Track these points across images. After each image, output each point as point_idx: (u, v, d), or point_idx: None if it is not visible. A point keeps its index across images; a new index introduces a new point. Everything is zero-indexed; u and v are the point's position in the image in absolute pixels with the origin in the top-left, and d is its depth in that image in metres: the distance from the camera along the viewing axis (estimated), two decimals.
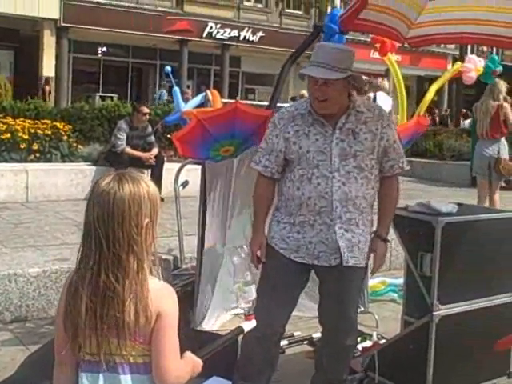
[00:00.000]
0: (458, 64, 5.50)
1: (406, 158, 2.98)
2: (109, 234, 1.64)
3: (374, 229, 2.94)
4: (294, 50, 3.84)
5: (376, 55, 4.63)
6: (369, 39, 4.36)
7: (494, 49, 30.95)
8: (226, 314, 4.15)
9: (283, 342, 3.89)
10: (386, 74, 4.84)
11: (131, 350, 1.70)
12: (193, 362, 1.82)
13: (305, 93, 11.51)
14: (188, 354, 1.83)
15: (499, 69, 5.75)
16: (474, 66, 5.45)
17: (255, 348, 2.90)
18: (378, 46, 4.47)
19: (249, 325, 2.16)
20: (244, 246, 2.82)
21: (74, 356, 1.74)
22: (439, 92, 7.45)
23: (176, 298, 1.76)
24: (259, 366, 2.94)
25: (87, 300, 1.66)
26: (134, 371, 1.71)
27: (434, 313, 3.08)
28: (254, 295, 2.18)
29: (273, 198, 2.95)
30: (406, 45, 3.91)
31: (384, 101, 8.60)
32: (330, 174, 2.74)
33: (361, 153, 2.77)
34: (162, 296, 1.71)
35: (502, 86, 7.14)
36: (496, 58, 5.89)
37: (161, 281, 1.76)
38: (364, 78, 3.27)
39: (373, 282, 4.92)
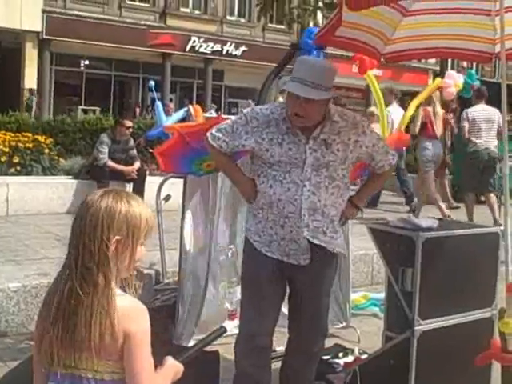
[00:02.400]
0: (438, 80, 5.58)
1: (392, 152, 3.09)
2: (79, 245, 1.65)
3: (342, 236, 3.06)
4: (276, 65, 3.88)
5: (357, 70, 4.68)
6: (350, 54, 4.41)
7: (474, 64, 31.40)
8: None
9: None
10: (367, 88, 4.89)
11: (97, 366, 1.68)
12: (173, 369, 1.82)
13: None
14: (168, 360, 1.82)
15: (477, 83, 5.85)
16: (453, 81, 5.53)
17: (246, 358, 2.91)
18: (357, 63, 4.52)
19: (231, 324, 2.15)
20: (231, 246, 2.83)
21: (42, 367, 1.74)
22: (420, 107, 7.51)
23: (147, 315, 1.73)
24: (255, 376, 2.94)
25: (57, 312, 1.66)
26: None
27: (415, 328, 3.09)
28: (238, 296, 2.20)
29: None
30: (382, 61, 3.96)
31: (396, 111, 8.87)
32: (301, 182, 2.78)
33: (333, 163, 2.82)
34: (129, 316, 1.68)
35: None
36: (473, 72, 5.99)
37: (132, 298, 1.75)
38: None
39: (354, 296, 4.94)
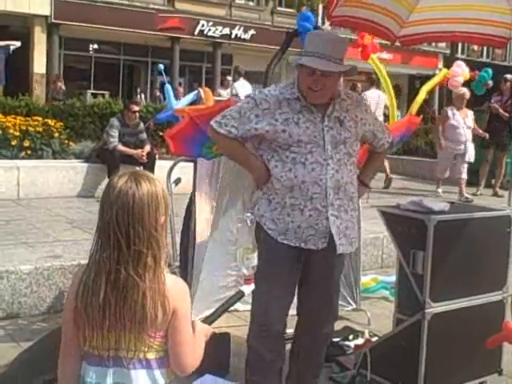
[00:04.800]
0: (445, 70, 5.52)
1: (388, 131, 3.15)
2: (129, 231, 1.69)
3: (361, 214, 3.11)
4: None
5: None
6: (353, 37, 4.40)
7: (485, 48, 31.11)
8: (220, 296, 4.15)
9: None
10: (375, 72, 4.86)
11: (143, 346, 1.74)
12: (203, 332, 1.91)
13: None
14: (198, 325, 1.90)
15: (491, 82, 5.81)
16: (461, 70, 5.47)
17: (261, 344, 2.89)
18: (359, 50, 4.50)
19: (248, 288, 2.20)
20: (248, 214, 2.73)
21: (81, 350, 1.77)
22: (430, 92, 7.54)
23: (188, 291, 1.83)
24: (269, 358, 2.92)
25: (106, 296, 1.70)
26: (144, 366, 1.75)
27: (426, 310, 3.10)
28: (255, 262, 2.22)
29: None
30: (397, 43, 3.92)
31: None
32: (325, 161, 2.74)
33: (349, 139, 2.82)
34: (177, 292, 1.77)
35: None
36: (490, 70, 5.93)
37: (173, 275, 1.83)
38: None
39: (365, 279, 4.94)
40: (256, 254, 2.24)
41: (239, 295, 2.19)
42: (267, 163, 2.82)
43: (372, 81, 11.02)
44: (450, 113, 9.28)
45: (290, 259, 2.82)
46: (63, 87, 18.28)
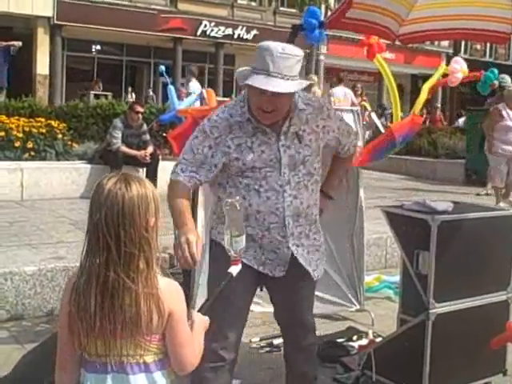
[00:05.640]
0: (443, 67, 5.51)
1: (355, 131, 2.88)
2: (119, 233, 1.66)
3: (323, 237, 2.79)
4: None
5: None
6: (357, 36, 4.37)
7: (488, 46, 31.07)
8: None
9: (279, 340, 3.91)
10: (379, 72, 4.84)
11: (140, 350, 1.72)
12: (201, 324, 1.89)
13: (312, 76, 11.83)
14: (195, 316, 1.87)
15: (496, 82, 5.77)
16: (460, 66, 5.46)
17: (208, 376, 2.54)
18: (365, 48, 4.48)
19: (236, 269, 2.20)
20: (238, 198, 2.57)
21: (78, 357, 1.75)
22: (433, 91, 7.41)
23: (182, 292, 1.81)
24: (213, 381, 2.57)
25: (97, 301, 1.67)
26: (143, 370, 1.73)
27: (430, 311, 3.09)
28: (242, 245, 2.17)
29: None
30: (397, 42, 3.92)
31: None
32: (281, 187, 2.50)
33: (309, 157, 2.56)
34: (171, 294, 1.75)
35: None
36: (496, 71, 5.91)
37: (166, 278, 1.79)
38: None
39: (368, 278, 4.94)
40: (244, 237, 2.20)
41: (229, 277, 2.21)
42: (221, 190, 2.59)
43: (340, 78, 11.75)
44: (504, 112, 8.41)
45: (247, 282, 2.53)
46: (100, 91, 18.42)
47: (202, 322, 1.89)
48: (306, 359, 2.81)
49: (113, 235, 1.65)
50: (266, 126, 2.50)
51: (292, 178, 2.52)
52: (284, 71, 2.37)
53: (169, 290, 1.75)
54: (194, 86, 11.29)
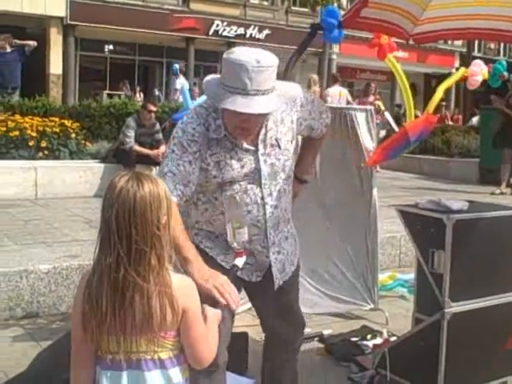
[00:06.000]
0: (463, 69, 5.49)
1: (326, 108, 2.70)
2: (130, 231, 1.66)
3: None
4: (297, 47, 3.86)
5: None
6: (371, 36, 4.35)
7: (502, 46, 30.84)
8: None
9: None
10: (392, 71, 4.83)
11: (155, 347, 1.72)
12: (215, 318, 1.90)
13: (313, 76, 12.02)
14: (208, 311, 1.88)
15: (506, 73, 5.71)
16: (480, 69, 5.42)
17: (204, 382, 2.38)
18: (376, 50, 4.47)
19: (241, 261, 2.20)
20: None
21: (93, 355, 1.75)
22: (446, 91, 7.38)
23: (196, 288, 1.81)
24: None
25: (110, 298, 1.67)
26: (158, 367, 1.73)
27: (446, 310, 3.07)
28: (245, 237, 2.15)
29: None
30: (411, 42, 3.90)
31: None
32: (262, 200, 2.39)
33: (288, 162, 2.45)
34: (184, 290, 1.75)
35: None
36: (504, 62, 5.86)
37: (179, 274, 1.80)
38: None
39: (382, 276, 4.92)
40: (246, 229, 2.19)
41: (234, 269, 2.20)
42: (198, 203, 2.45)
43: (335, 78, 12.11)
44: None
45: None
46: (128, 93, 18.55)
47: (214, 315, 1.90)
48: (289, 360, 2.74)
49: (124, 233, 1.66)
50: (244, 140, 2.35)
51: (273, 188, 2.41)
52: (261, 86, 2.15)
53: (182, 286, 1.75)
54: (182, 81, 11.87)
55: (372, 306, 4.48)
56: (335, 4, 20.09)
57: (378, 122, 9.89)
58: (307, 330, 4.08)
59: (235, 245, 2.21)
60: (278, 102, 2.25)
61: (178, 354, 1.77)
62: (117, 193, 1.67)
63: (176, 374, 1.76)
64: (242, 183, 2.36)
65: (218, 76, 2.30)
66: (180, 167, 2.28)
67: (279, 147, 2.41)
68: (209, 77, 2.34)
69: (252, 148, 2.37)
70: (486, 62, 5.49)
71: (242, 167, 2.35)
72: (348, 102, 11.23)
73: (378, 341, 3.89)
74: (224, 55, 2.23)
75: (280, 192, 2.44)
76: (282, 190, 2.46)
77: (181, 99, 11.46)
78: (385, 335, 3.96)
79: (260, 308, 2.70)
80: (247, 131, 2.31)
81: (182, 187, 2.27)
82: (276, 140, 2.40)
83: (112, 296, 1.67)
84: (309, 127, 2.58)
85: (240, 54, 2.19)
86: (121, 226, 1.66)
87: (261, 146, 2.38)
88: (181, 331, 1.75)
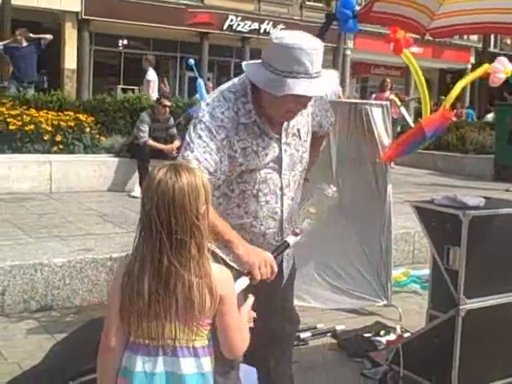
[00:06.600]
0: (486, 65, 5.43)
1: (329, 105, 2.65)
2: (170, 221, 1.70)
3: None
4: None
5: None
6: (386, 31, 4.33)
7: None
8: None
9: (306, 334, 3.91)
10: (407, 66, 4.79)
11: (192, 334, 1.77)
12: (246, 315, 1.93)
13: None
14: (242, 309, 1.91)
15: None
16: (503, 67, 5.36)
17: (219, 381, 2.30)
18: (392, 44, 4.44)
19: (294, 239, 2.20)
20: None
21: (126, 340, 1.79)
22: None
23: (232, 279, 1.87)
24: None
25: (151, 286, 1.72)
26: (192, 354, 1.77)
27: (461, 307, 3.06)
28: (309, 228, 2.17)
29: None
30: (427, 36, 3.87)
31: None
32: (280, 190, 2.34)
33: (305, 153, 2.43)
34: (222, 279, 1.80)
35: None
36: None
37: (217, 264, 1.84)
38: None
39: (395, 272, 4.90)
40: (316, 223, 2.19)
41: (284, 245, 2.20)
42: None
43: None
44: None
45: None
46: (167, 89, 18.51)
47: (246, 313, 1.94)
48: (283, 357, 2.73)
49: (164, 223, 1.70)
50: (269, 126, 2.30)
51: (291, 178, 2.37)
52: (319, 68, 2.15)
53: (220, 275, 1.80)
54: (152, 74, 13.05)
55: (385, 302, 4.46)
56: None
57: (394, 116, 9.82)
58: (320, 326, 4.10)
59: (298, 225, 2.21)
60: (327, 83, 2.24)
61: (208, 345, 1.82)
62: (156, 185, 1.71)
63: (207, 363, 1.80)
64: (261, 172, 2.30)
65: (255, 62, 2.26)
66: (206, 154, 2.19)
67: (299, 137, 2.39)
68: (248, 65, 2.29)
69: (276, 136, 2.33)
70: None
71: (267, 155, 2.30)
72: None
73: (392, 337, 3.88)
74: (274, 40, 2.17)
75: (296, 184, 2.42)
76: (298, 182, 2.43)
77: (151, 92, 12.37)
78: (398, 331, 3.94)
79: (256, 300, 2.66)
80: (295, 113, 2.29)
81: (208, 175, 2.13)
82: (297, 130, 2.38)
83: (154, 284, 1.72)
84: (318, 123, 2.56)
85: (293, 37, 2.15)
86: (161, 217, 1.70)
87: (283, 134, 2.34)
88: (217, 318, 1.80)
